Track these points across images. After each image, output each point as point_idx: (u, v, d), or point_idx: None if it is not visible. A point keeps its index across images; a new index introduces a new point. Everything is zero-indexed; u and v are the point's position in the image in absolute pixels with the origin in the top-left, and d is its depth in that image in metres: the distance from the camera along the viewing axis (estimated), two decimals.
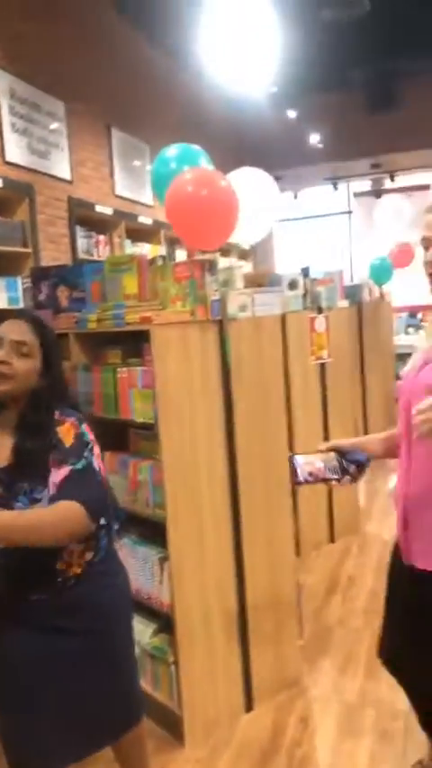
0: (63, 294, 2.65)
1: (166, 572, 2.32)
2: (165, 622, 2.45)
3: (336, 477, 1.69)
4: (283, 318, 3.36)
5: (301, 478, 1.69)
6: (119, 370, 2.37)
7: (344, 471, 1.70)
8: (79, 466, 1.61)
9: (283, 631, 2.62)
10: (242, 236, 2.25)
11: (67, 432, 1.65)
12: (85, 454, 1.63)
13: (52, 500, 1.59)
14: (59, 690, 1.67)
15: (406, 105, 8.26)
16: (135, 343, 2.40)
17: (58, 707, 1.67)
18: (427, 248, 1.57)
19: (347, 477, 1.70)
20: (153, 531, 2.44)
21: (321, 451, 1.76)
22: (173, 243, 6.45)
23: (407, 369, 1.69)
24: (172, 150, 2.36)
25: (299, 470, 1.70)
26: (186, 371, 2.26)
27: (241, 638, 2.47)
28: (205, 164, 2.34)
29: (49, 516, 1.55)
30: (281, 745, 2.32)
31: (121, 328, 2.31)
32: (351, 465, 1.72)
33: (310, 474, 1.69)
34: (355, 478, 1.73)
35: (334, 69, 7.36)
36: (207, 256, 2.46)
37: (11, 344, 1.65)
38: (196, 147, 2.42)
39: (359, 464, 1.72)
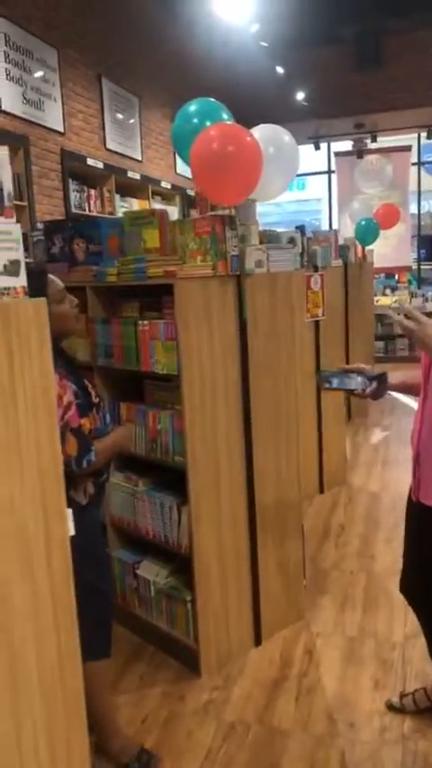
0: (79, 247, 2.68)
1: (184, 516, 2.44)
2: (180, 564, 2.58)
3: (357, 388, 1.89)
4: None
5: (327, 385, 1.93)
6: (140, 323, 2.43)
7: (365, 384, 1.89)
8: None
9: (290, 569, 2.78)
10: (261, 193, 2.30)
11: None
12: None
13: None
14: None
15: (391, 65, 8.25)
16: (153, 297, 2.46)
17: None
18: None
19: (370, 389, 1.88)
20: (170, 478, 2.55)
21: (345, 370, 1.96)
22: (188, 199, 6.41)
23: None
24: (193, 105, 2.38)
25: (328, 378, 1.93)
26: (207, 324, 2.34)
27: (252, 577, 2.62)
28: (227, 119, 2.38)
29: None
30: (289, 674, 2.50)
31: (143, 282, 2.37)
32: (372, 381, 1.90)
33: (337, 383, 1.91)
34: (375, 392, 1.91)
35: (323, 26, 7.31)
36: (226, 211, 2.52)
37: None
38: (217, 102, 2.44)
39: (379, 378, 1.91)
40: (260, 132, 2.36)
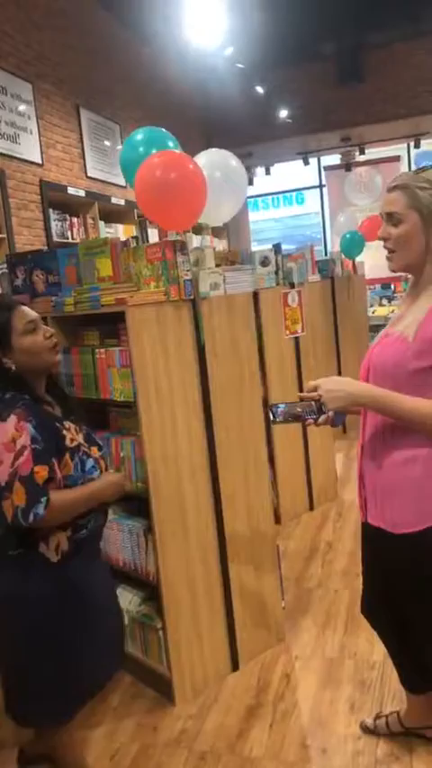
0: (39, 279, 2.70)
1: (150, 543, 2.43)
2: (151, 591, 2.56)
3: (312, 418, 1.71)
4: (256, 295, 3.44)
5: (278, 419, 1.73)
6: (97, 351, 2.44)
7: (321, 412, 1.70)
8: None
9: (265, 594, 2.75)
10: (211, 217, 2.31)
11: None
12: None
13: None
14: None
15: (373, 78, 8.30)
16: (112, 324, 2.47)
17: None
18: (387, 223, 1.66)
19: (324, 417, 1.70)
20: (138, 506, 2.54)
21: (301, 398, 1.78)
22: (143, 223, 6.48)
23: (377, 339, 1.81)
24: (139, 135, 2.41)
25: (276, 412, 1.73)
26: (162, 350, 2.34)
27: (226, 603, 2.59)
28: (173, 146, 2.40)
29: None
30: (265, 699, 2.46)
31: (97, 310, 2.38)
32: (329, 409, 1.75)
33: (288, 415, 1.73)
34: (334, 421, 1.74)
35: (301, 44, 7.38)
36: (178, 237, 2.54)
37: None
38: (163, 130, 2.46)
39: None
40: (206, 157, 2.38)
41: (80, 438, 1.82)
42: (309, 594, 3.20)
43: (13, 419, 1.68)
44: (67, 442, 1.77)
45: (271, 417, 1.74)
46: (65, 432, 1.78)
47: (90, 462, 1.81)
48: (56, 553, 1.74)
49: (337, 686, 2.48)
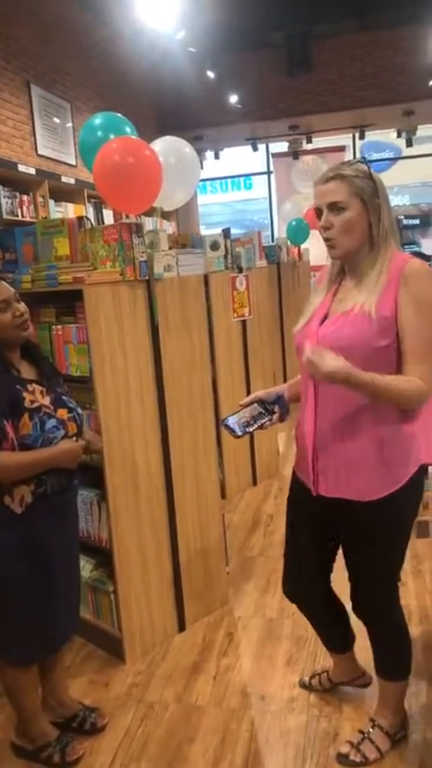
0: None
1: (104, 511, 2.56)
2: (103, 557, 2.69)
3: (266, 419, 1.84)
4: (206, 278, 3.57)
5: (239, 433, 1.81)
6: (54, 327, 2.54)
7: (270, 413, 1.85)
8: None
9: (211, 561, 2.92)
10: (165, 201, 2.42)
11: None
12: None
13: None
14: None
15: (321, 69, 8.50)
16: (68, 302, 2.57)
17: None
18: (319, 216, 1.74)
19: (276, 415, 1.85)
20: (92, 476, 2.66)
21: (244, 405, 1.89)
22: (98, 204, 6.50)
23: (301, 323, 1.86)
24: (98, 119, 2.50)
25: (235, 428, 1.82)
26: (117, 327, 2.46)
27: (174, 568, 2.75)
28: (129, 132, 2.50)
29: None
30: (210, 655, 2.64)
31: (54, 288, 2.47)
32: (273, 405, 1.88)
33: (246, 425, 1.82)
34: (282, 415, 1.88)
35: (252, 31, 7.48)
36: (133, 219, 2.64)
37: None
38: (120, 116, 2.56)
39: (279, 401, 1.89)
40: (162, 144, 2.49)
41: (45, 400, 1.96)
42: (251, 562, 3.40)
43: None
44: (27, 403, 1.91)
45: (232, 434, 1.82)
46: (25, 394, 1.92)
47: (51, 422, 1.94)
48: (19, 505, 1.91)
49: (276, 643, 2.68)
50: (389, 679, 2.04)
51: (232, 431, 1.82)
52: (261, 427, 1.84)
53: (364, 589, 1.95)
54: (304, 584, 2.12)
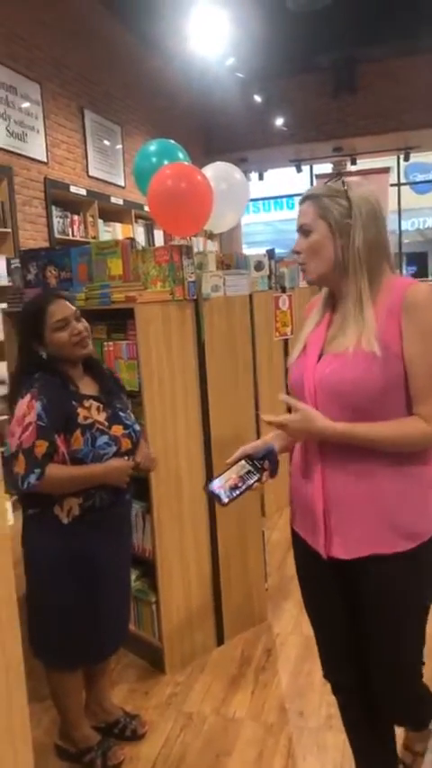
0: (52, 274, 2.89)
1: (148, 523, 2.63)
2: (146, 568, 2.76)
3: (255, 479, 1.61)
4: (251, 298, 3.65)
5: (225, 500, 1.58)
6: (105, 343, 2.64)
7: (259, 470, 1.62)
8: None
9: (250, 576, 2.96)
10: (215, 225, 2.52)
11: None
12: None
13: None
14: None
15: (366, 91, 8.59)
16: (118, 320, 2.67)
17: None
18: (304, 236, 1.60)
19: (266, 473, 1.63)
20: (138, 489, 2.74)
21: (230, 464, 1.65)
22: (149, 225, 6.68)
23: (295, 355, 1.69)
24: (152, 146, 2.61)
25: (221, 493, 1.59)
26: (166, 345, 2.55)
27: (214, 583, 2.81)
28: (182, 158, 2.60)
29: None
30: (248, 670, 2.67)
31: (107, 306, 2.58)
32: (262, 461, 1.64)
33: (232, 489, 1.59)
34: (272, 471, 1.64)
35: (299, 55, 7.62)
36: (183, 241, 2.74)
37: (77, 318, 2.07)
38: (173, 142, 2.67)
39: (268, 456, 1.64)
40: (213, 170, 2.59)
41: (100, 416, 2.03)
42: (290, 581, 3.42)
43: (27, 397, 1.95)
44: (80, 419, 1.97)
45: (218, 502, 1.59)
46: (80, 410, 1.99)
47: (103, 439, 2.00)
48: (67, 516, 1.98)
49: (314, 660, 2.68)
50: (414, 730, 1.92)
51: (218, 498, 1.58)
52: (250, 488, 1.60)
53: (384, 677, 1.66)
54: (343, 662, 1.77)
